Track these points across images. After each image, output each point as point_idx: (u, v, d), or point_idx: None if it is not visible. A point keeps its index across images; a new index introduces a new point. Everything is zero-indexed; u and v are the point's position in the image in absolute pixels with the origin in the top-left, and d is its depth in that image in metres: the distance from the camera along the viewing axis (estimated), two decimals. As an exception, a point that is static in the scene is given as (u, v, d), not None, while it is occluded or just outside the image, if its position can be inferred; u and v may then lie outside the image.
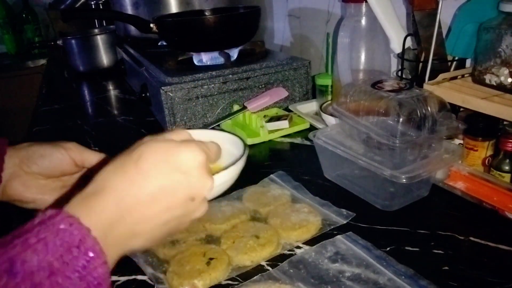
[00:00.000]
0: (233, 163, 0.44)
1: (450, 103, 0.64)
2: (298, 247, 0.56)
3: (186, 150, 0.36)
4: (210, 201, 0.65)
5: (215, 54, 1.04)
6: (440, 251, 0.54)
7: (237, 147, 0.49)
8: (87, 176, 0.46)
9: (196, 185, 0.37)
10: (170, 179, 0.35)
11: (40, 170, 0.46)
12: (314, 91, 1.05)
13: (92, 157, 0.47)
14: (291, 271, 0.52)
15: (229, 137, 0.51)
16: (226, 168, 0.43)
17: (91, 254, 0.30)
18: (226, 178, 0.42)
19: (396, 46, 0.82)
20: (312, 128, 0.94)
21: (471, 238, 0.56)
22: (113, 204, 0.33)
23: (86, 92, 1.44)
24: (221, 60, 1.03)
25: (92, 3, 1.81)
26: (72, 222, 0.30)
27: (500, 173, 0.63)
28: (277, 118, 0.94)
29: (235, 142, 0.50)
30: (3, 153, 0.45)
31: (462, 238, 0.56)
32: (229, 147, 0.48)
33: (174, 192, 0.36)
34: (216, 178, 0.40)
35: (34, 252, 0.28)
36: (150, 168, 0.35)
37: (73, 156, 0.46)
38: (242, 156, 0.46)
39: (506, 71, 0.63)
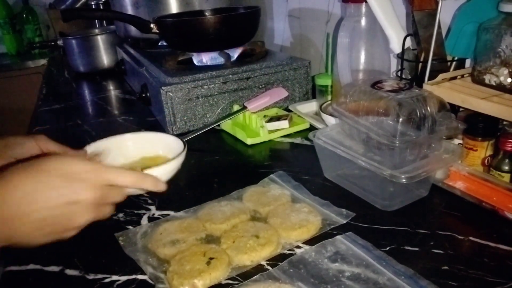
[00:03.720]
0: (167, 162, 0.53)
1: (449, 103, 0.64)
2: (298, 247, 0.56)
3: (81, 186, 0.44)
4: (210, 201, 0.66)
5: (215, 54, 1.04)
6: (440, 251, 0.54)
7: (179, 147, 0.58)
8: None
9: (75, 217, 0.44)
10: (58, 209, 0.43)
11: (15, 155, 0.56)
12: (314, 91, 1.05)
13: (54, 148, 0.58)
14: (291, 270, 0.52)
15: (175, 140, 0.60)
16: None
17: None
18: (160, 172, 0.51)
19: (396, 46, 0.82)
20: (312, 128, 0.94)
21: (471, 238, 0.56)
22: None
23: (86, 92, 1.44)
24: (221, 60, 1.03)
25: (92, 3, 1.81)
26: None
27: (500, 173, 0.63)
28: (277, 118, 0.94)
29: (178, 143, 0.59)
30: None
31: (462, 238, 0.56)
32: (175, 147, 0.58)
33: (55, 219, 0.43)
34: (153, 171, 0.50)
35: None
36: (41, 193, 0.42)
37: (40, 145, 0.57)
38: (177, 156, 0.54)
39: (505, 71, 0.63)
